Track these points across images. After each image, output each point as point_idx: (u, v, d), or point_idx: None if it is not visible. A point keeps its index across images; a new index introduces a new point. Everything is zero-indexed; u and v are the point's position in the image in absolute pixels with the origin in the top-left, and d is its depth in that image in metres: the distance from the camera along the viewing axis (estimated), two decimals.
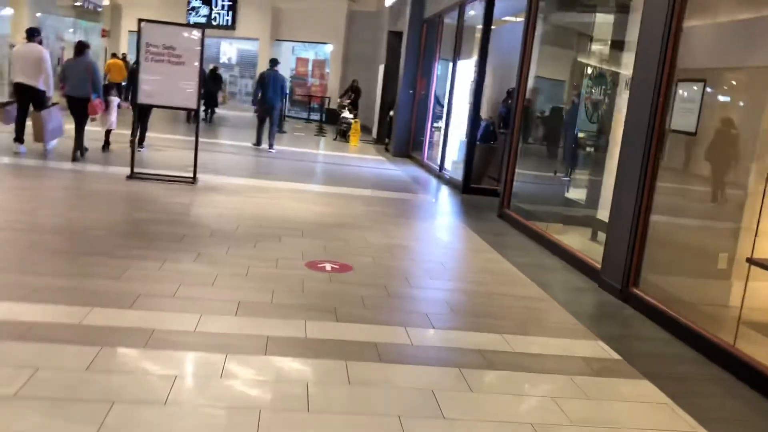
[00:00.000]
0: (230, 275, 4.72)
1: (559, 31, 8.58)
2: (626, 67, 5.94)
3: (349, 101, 18.56)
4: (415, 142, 14.98)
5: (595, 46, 7.19)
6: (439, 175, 11.91)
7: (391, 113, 16.42)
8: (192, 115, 18.75)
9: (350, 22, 24.62)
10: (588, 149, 7.54)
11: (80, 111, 9.23)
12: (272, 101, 13.32)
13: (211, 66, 22.64)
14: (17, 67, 9.20)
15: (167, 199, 7.25)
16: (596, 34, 7.49)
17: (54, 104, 9.44)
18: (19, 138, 9.23)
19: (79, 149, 9.26)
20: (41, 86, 9.12)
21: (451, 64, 12.39)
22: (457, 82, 11.66)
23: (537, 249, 6.80)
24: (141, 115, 10.24)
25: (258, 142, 13.75)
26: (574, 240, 6.90)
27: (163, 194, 7.49)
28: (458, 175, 10.90)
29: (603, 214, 6.71)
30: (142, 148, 10.89)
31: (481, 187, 10.49)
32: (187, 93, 8.38)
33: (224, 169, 10.06)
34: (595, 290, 5.44)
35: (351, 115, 17.82)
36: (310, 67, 26.74)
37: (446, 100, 12.17)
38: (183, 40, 8.32)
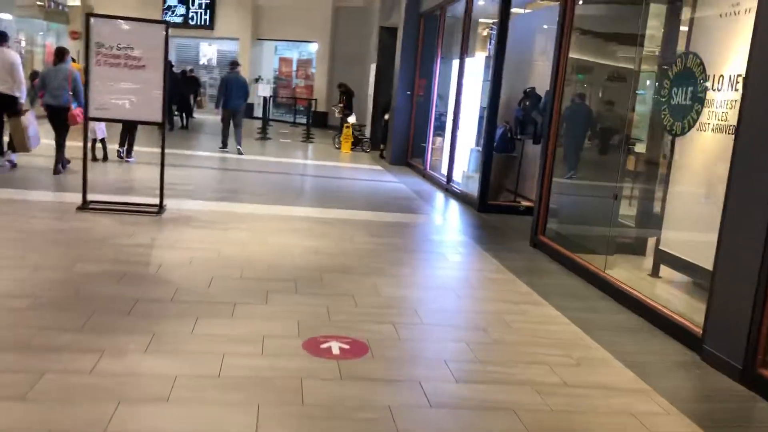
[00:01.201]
0: (195, 378, 3.23)
1: (612, 12, 7.13)
2: (726, 61, 4.50)
3: (341, 105, 17.03)
4: (415, 150, 13.54)
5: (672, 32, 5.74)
6: (447, 188, 10.46)
7: (386, 117, 14.96)
8: (168, 120, 17.24)
9: (336, 19, 23.11)
10: (646, 160, 6.13)
11: (60, 121, 8.60)
12: (235, 104, 13.22)
13: (189, 68, 21.14)
14: None
15: (123, 240, 5.74)
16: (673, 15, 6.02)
17: (26, 110, 8.69)
18: None
19: (60, 162, 8.70)
20: (15, 93, 8.47)
21: (456, 62, 10.95)
22: (466, 82, 10.22)
23: (593, 293, 5.37)
24: (129, 124, 9.56)
25: (224, 145, 13.46)
26: (638, 278, 5.49)
27: (118, 232, 5.98)
28: (470, 188, 9.45)
29: (671, 242, 5.31)
30: (130, 158, 10.43)
31: (500, 203, 9.06)
32: (150, 103, 6.87)
33: (198, 190, 8.54)
34: (700, 368, 4.00)
35: (354, 120, 16.32)
36: (294, 68, 25.21)
37: (452, 103, 10.73)
38: (143, 38, 6.80)
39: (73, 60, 23.83)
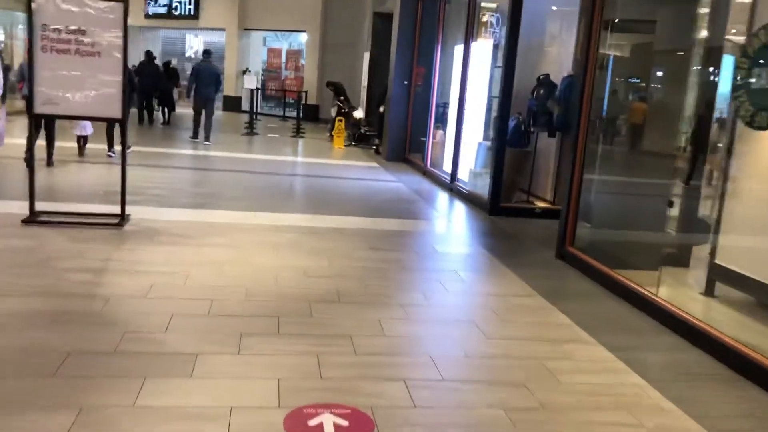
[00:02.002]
0: None
1: None
2: None
3: (338, 103, 15.93)
4: (413, 144, 12.52)
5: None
6: (452, 187, 9.45)
7: (381, 109, 13.94)
8: (147, 115, 16.20)
9: (327, 6, 22.00)
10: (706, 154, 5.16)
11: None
12: (206, 94, 12.98)
13: (170, 60, 20.04)
14: None
15: (68, 262, 4.71)
16: None
17: None
18: None
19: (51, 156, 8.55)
20: None
21: (459, 48, 9.93)
22: (472, 70, 9.20)
23: (645, 323, 4.38)
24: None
25: (194, 135, 13.23)
26: (698, 302, 4.52)
27: (65, 252, 4.95)
28: (479, 188, 8.45)
29: (729, 256, 4.36)
30: (112, 153, 9.95)
31: (514, 206, 8.06)
32: (107, 97, 5.82)
33: (171, 195, 7.51)
34: None
35: (361, 114, 15.21)
36: (283, 59, 24.10)
37: (456, 93, 9.71)
38: (97, 20, 5.75)
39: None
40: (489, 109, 9.08)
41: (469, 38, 9.32)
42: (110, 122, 9.54)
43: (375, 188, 9.46)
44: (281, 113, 22.05)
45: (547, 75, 8.56)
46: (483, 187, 8.24)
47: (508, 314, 4.29)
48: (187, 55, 27.18)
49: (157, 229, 5.83)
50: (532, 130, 8.54)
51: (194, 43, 27.02)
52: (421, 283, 4.90)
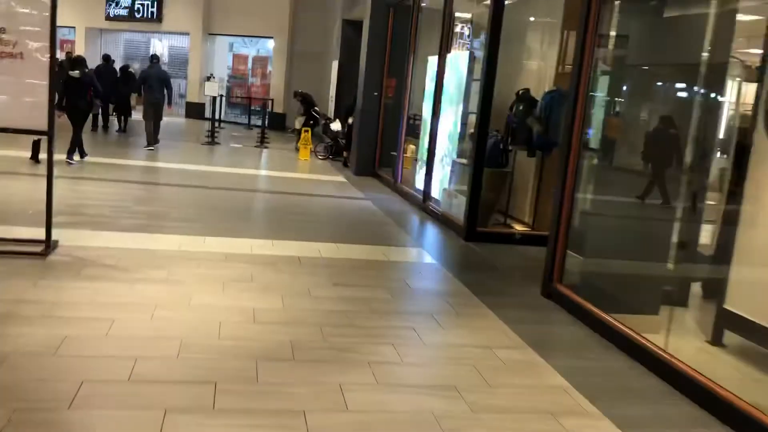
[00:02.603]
0: None
1: None
2: None
3: (313, 113, 15.17)
4: (383, 158, 11.86)
5: None
6: (424, 207, 8.80)
7: (350, 120, 13.25)
8: (103, 121, 15.28)
9: (295, 11, 21.28)
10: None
11: None
12: (154, 98, 12.94)
13: (128, 65, 19.07)
14: None
15: None
16: None
17: None
18: None
19: None
20: None
21: (433, 60, 9.31)
22: (447, 83, 8.58)
23: (654, 385, 3.75)
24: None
25: (149, 143, 12.88)
26: (715, 360, 3.92)
27: None
28: (453, 210, 7.80)
29: (741, 300, 3.79)
30: (72, 161, 9.55)
31: (491, 231, 7.42)
32: (30, 106, 5.02)
33: (111, 215, 6.69)
34: None
35: (339, 127, 14.41)
36: (249, 65, 23.27)
37: (429, 107, 9.07)
38: (18, 17, 4.95)
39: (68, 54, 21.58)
40: (464, 124, 8.47)
41: (443, 48, 8.70)
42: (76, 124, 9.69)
43: (342, 207, 8.75)
44: (246, 121, 21.23)
45: (527, 90, 7.99)
46: (458, 209, 7.59)
47: (495, 375, 3.61)
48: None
49: (86, 260, 5.03)
50: (510, 148, 7.95)
51: (158, 48, 26.00)
52: (393, 331, 4.20)
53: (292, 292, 4.73)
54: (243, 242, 6.09)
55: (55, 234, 5.29)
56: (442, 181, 8.61)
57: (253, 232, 6.67)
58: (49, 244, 5.15)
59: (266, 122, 16.41)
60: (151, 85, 12.98)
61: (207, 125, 15.49)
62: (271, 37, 21.90)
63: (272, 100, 20.41)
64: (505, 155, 7.70)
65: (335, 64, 16.02)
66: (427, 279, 5.61)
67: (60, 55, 21.49)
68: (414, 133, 10.78)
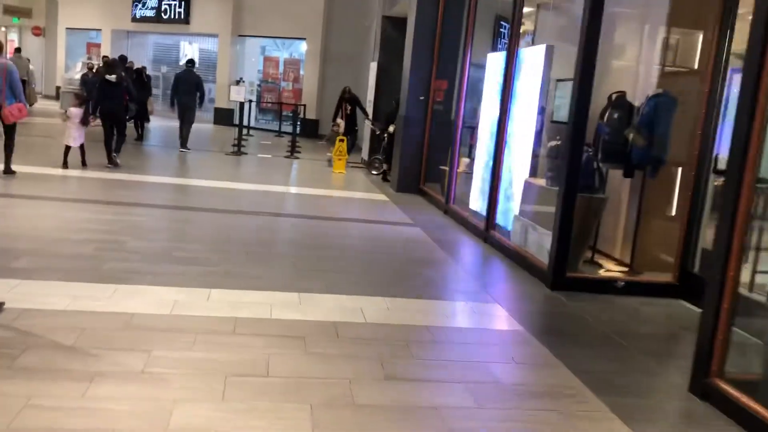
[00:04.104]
0: None
1: None
2: None
3: (342, 116, 13.48)
4: (430, 173, 10.24)
5: None
6: (487, 237, 7.14)
7: (391, 129, 11.67)
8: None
9: (330, 12, 19.80)
10: None
11: None
12: (185, 102, 12.97)
13: (163, 68, 17.83)
14: None
15: None
16: None
17: None
18: None
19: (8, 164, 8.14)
20: None
21: (497, 57, 7.68)
22: (520, 86, 6.93)
23: None
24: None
25: (182, 145, 13.08)
26: None
27: None
28: (531, 244, 6.15)
29: None
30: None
31: (584, 276, 5.74)
32: None
33: (92, 255, 5.14)
34: None
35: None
36: (281, 69, 21.86)
37: (494, 114, 7.43)
38: None
39: (19, 54, 20.40)
40: (538, 133, 6.83)
41: (514, 43, 7.05)
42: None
43: (386, 238, 7.14)
44: (277, 128, 19.81)
45: (622, 93, 6.30)
46: (538, 246, 5.94)
47: None
48: (180, 63, 24.95)
49: (34, 334, 3.50)
50: (600, 165, 6.26)
51: (188, 51, 24.78)
52: None
53: (327, 397, 3.13)
54: (260, 297, 4.51)
55: (7, 286, 3.80)
56: (509, 206, 6.95)
57: (275, 279, 5.08)
58: None
59: (297, 130, 14.91)
60: (182, 88, 12.93)
61: (235, 132, 14.07)
62: (304, 39, 20.48)
63: (304, 105, 18.97)
64: (599, 176, 6.01)
65: (373, 66, 14.45)
66: (520, 363, 3.93)
67: (94, 61, 20.55)
68: (468, 143, 9.16)
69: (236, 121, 14.85)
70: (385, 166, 11.93)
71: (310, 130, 18.95)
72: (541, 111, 6.73)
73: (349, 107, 13.60)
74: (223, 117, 20.87)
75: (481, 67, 8.41)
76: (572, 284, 5.47)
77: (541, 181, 6.49)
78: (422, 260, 6.19)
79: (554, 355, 3.98)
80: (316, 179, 11.55)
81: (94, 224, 6.28)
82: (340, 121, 13.46)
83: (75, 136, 9.42)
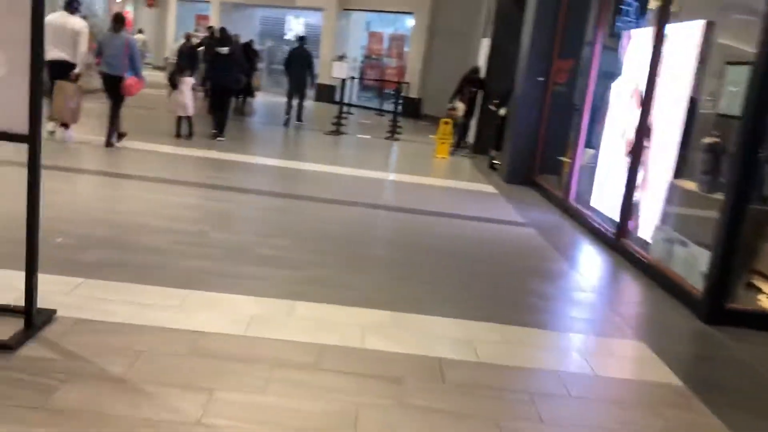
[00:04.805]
0: None
1: None
2: None
3: (462, 100, 12.21)
4: (546, 163, 9.19)
5: None
6: (618, 246, 6.09)
7: (502, 112, 10.65)
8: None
9: None
10: None
11: (115, 91, 8.15)
12: (297, 78, 12.89)
13: (268, 43, 17.57)
14: (48, 39, 6.96)
15: None
16: None
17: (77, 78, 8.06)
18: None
19: (113, 134, 8.20)
20: (72, 60, 8.03)
21: (637, 34, 6.54)
22: (668, 69, 5.80)
23: None
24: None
25: (285, 122, 13.04)
26: None
27: None
28: (676, 262, 5.09)
29: None
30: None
31: (746, 309, 4.65)
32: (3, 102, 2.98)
33: (168, 249, 4.56)
34: None
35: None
36: (385, 45, 21.08)
37: (631, 101, 6.32)
38: None
39: (140, 31, 20.80)
40: (688, 128, 5.68)
41: (663, 19, 5.90)
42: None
43: (496, 241, 6.23)
44: (378, 106, 19.11)
45: None
46: (687, 266, 4.87)
47: None
48: (286, 37, 24.68)
49: (79, 357, 2.92)
50: None
51: (294, 26, 24.47)
52: None
53: None
54: (350, 316, 3.77)
55: (67, 287, 3.26)
56: (646, 211, 5.87)
57: (367, 291, 4.30)
58: (30, 321, 3.10)
59: (399, 109, 14.11)
60: (294, 65, 12.85)
61: (335, 111, 13.48)
62: (411, 13, 19.55)
63: (407, 83, 18.12)
64: None
65: (485, 44, 13.39)
66: None
67: (199, 34, 20.54)
68: (593, 132, 8.06)
69: (337, 98, 14.23)
70: (492, 153, 10.95)
71: (412, 109, 18.13)
72: (694, 100, 5.59)
73: (473, 90, 12.42)
74: (324, 94, 20.36)
75: (607, 46, 7.31)
76: (733, 318, 4.39)
77: (692, 185, 5.38)
78: (540, 272, 5.26)
79: (727, 427, 3.00)
80: (417, 164, 10.74)
81: (177, 209, 5.76)
82: (460, 104, 12.29)
83: (187, 105, 9.53)
